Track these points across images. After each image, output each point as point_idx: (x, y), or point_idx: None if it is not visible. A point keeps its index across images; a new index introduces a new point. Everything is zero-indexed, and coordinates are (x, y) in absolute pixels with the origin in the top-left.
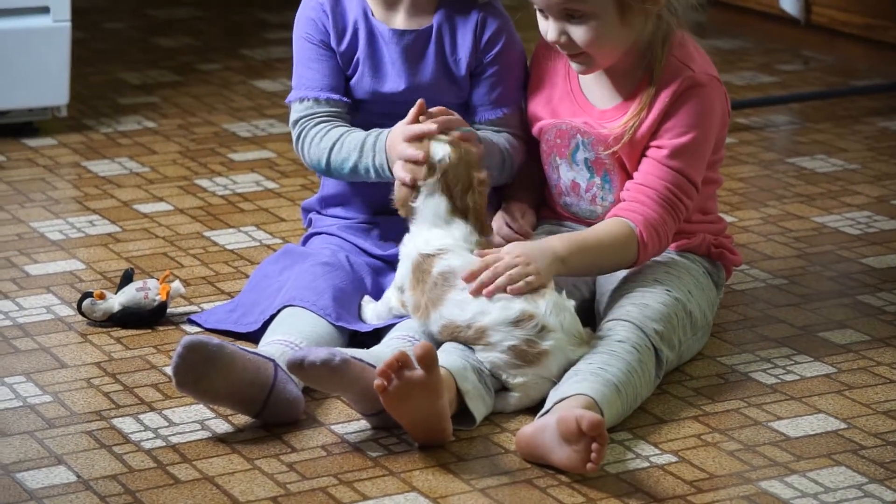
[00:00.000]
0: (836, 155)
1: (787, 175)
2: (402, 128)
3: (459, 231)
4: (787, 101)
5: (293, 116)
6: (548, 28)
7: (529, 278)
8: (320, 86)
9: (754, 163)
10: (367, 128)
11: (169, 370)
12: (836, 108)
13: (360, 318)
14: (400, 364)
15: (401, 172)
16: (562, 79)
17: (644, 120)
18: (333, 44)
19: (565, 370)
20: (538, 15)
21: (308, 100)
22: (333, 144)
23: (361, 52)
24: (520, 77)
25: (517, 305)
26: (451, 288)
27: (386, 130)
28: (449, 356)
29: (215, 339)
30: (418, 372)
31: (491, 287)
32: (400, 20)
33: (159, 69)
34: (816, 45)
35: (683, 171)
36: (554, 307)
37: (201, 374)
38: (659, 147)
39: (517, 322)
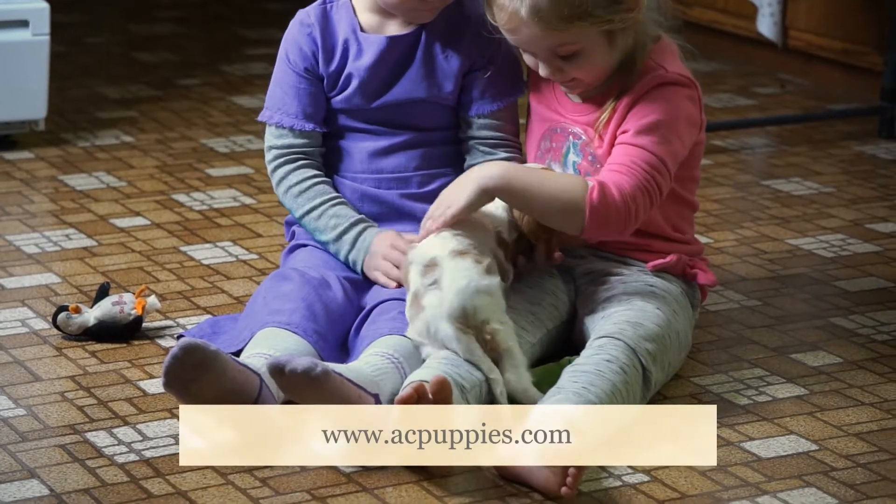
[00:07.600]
0: (811, 178)
1: (763, 197)
2: (388, 245)
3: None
4: (763, 124)
5: (269, 141)
6: (537, 65)
7: (449, 210)
8: (297, 114)
9: (730, 184)
10: (342, 136)
11: (161, 368)
12: (812, 131)
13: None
14: (419, 396)
15: (382, 279)
16: (544, 82)
17: (614, 113)
18: (321, 67)
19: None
20: (523, 53)
21: (284, 128)
22: (313, 209)
23: (351, 68)
24: (517, 71)
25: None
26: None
27: (370, 232)
28: (433, 372)
29: (213, 345)
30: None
31: (422, 232)
32: (394, 27)
33: (138, 84)
34: (794, 69)
35: (650, 149)
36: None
37: (192, 377)
38: (625, 132)
39: (426, 267)
